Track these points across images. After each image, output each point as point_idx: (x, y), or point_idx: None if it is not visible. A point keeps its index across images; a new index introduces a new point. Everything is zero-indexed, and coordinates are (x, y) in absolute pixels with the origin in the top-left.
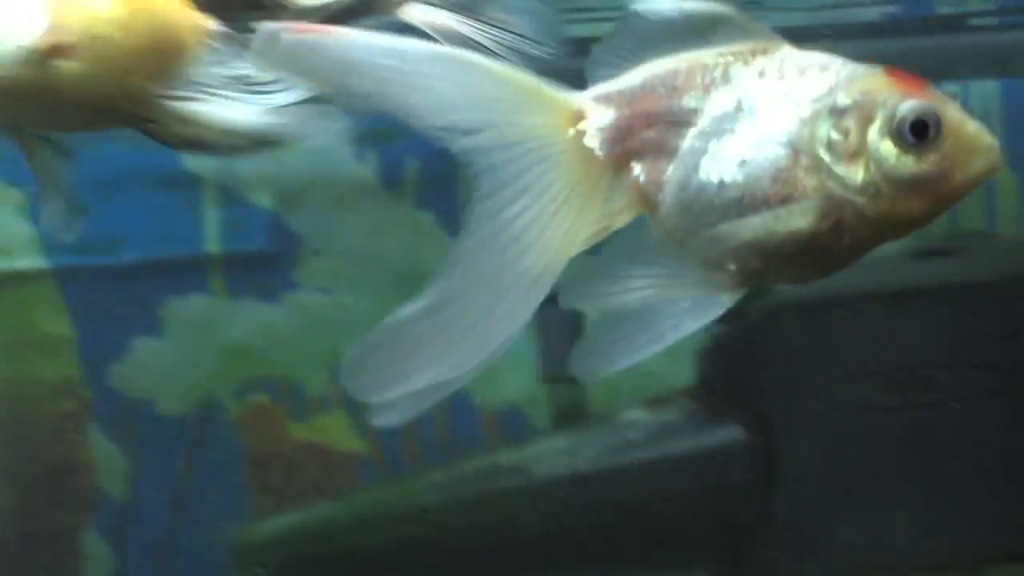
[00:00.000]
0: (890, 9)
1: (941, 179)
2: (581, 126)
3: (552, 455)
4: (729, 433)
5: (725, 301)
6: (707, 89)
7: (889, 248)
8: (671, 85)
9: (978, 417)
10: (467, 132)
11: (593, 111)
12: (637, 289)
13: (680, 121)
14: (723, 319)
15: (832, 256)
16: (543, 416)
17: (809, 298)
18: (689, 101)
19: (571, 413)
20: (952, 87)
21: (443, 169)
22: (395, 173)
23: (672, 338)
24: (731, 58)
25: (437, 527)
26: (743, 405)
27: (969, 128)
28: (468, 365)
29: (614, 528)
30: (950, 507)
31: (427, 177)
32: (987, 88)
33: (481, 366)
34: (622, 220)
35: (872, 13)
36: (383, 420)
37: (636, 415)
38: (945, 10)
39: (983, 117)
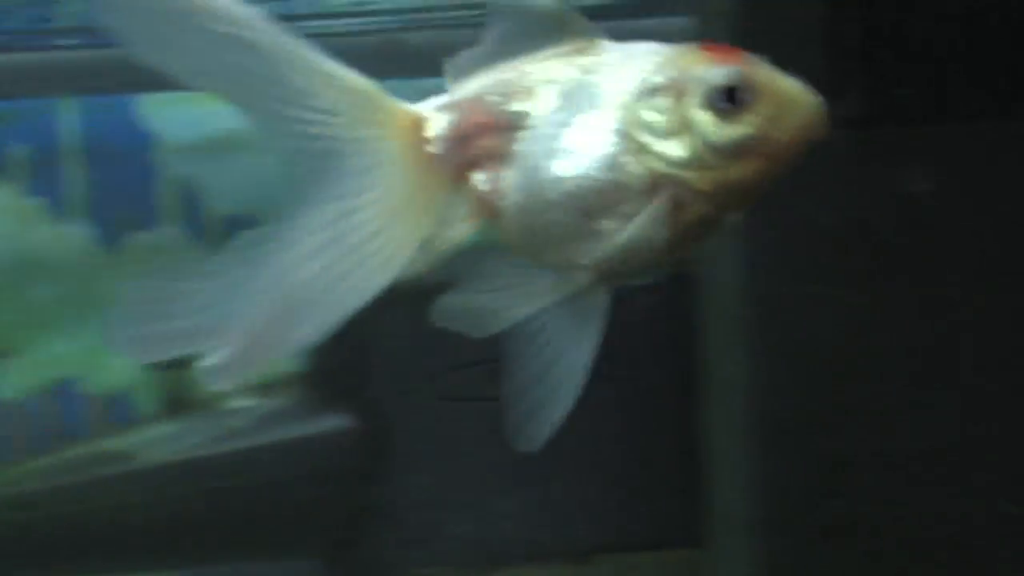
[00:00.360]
0: None
1: (764, 140)
2: (419, 134)
3: (159, 442)
4: (338, 421)
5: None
6: (535, 92)
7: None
8: (502, 91)
9: (588, 408)
10: (299, 131)
11: (433, 120)
12: (507, 304)
13: (513, 126)
14: None
15: (678, 238)
16: (151, 403)
17: (419, 285)
18: (518, 105)
19: (179, 400)
20: None
21: (52, 155)
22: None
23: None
24: (554, 57)
25: (45, 513)
26: (352, 393)
27: (783, 85)
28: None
29: (220, 515)
30: (560, 497)
31: (35, 162)
32: None
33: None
34: (465, 230)
35: None
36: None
37: (244, 402)
38: None
39: None
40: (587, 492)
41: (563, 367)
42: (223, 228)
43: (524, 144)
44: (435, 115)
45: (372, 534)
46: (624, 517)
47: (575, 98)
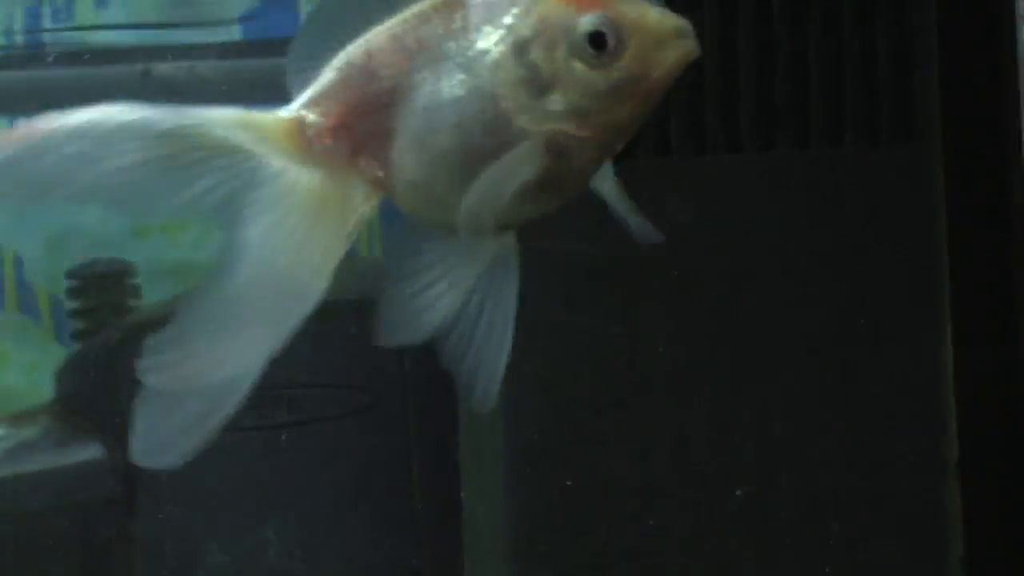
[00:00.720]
0: None
1: (641, 78)
2: (298, 138)
3: None
4: (89, 451)
5: (488, 250)
6: (402, 63)
7: None
8: (367, 69)
9: (343, 438)
10: (185, 185)
11: (305, 119)
12: (439, 294)
13: (387, 103)
14: (82, 335)
15: (568, 182)
16: None
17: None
18: (388, 81)
19: None
20: None
21: None
22: None
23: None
24: (416, 22)
25: None
26: (103, 423)
27: (651, 20)
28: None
29: None
30: (316, 528)
31: None
32: None
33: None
34: (367, 208)
35: None
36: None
37: None
38: None
39: None
40: (344, 523)
41: (491, 320)
42: None
43: (403, 120)
44: (305, 113)
45: (126, 565)
46: (381, 548)
47: (444, 63)
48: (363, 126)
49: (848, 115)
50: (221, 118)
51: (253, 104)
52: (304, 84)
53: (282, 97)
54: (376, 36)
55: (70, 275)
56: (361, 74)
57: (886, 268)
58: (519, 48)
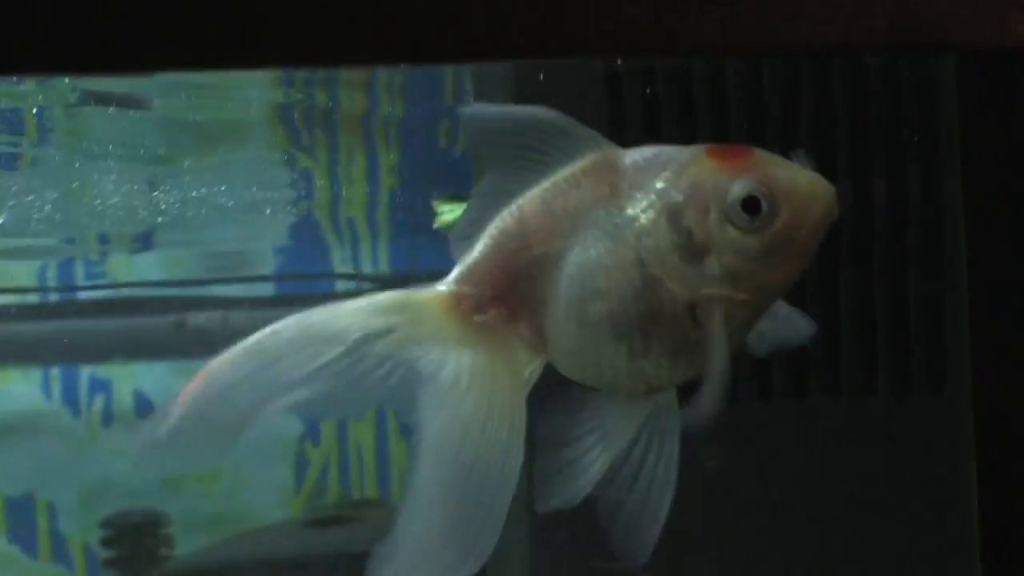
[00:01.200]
0: None
1: (790, 241)
2: (458, 311)
3: None
4: None
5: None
6: (552, 230)
7: (283, 515)
8: (519, 236)
9: None
10: (369, 383)
11: (461, 291)
12: (594, 458)
13: (540, 270)
14: None
15: (715, 345)
16: None
17: (211, 566)
18: (539, 248)
19: None
20: None
21: None
22: None
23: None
24: (565, 186)
25: None
26: None
27: (800, 183)
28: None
29: None
30: None
31: None
32: None
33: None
34: (533, 370)
35: None
36: None
37: None
38: None
39: None
40: None
41: (653, 474)
42: (8, 509)
43: (554, 287)
44: (461, 287)
45: None
46: None
47: (593, 230)
48: (517, 293)
49: (880, 365)
50: (378, 306)
51: None
52: (464, 253)
53: None
54: (528, 201)
55: (104, 524)
56: (513, 242)
57: (918, 519)
58: (671, 214)
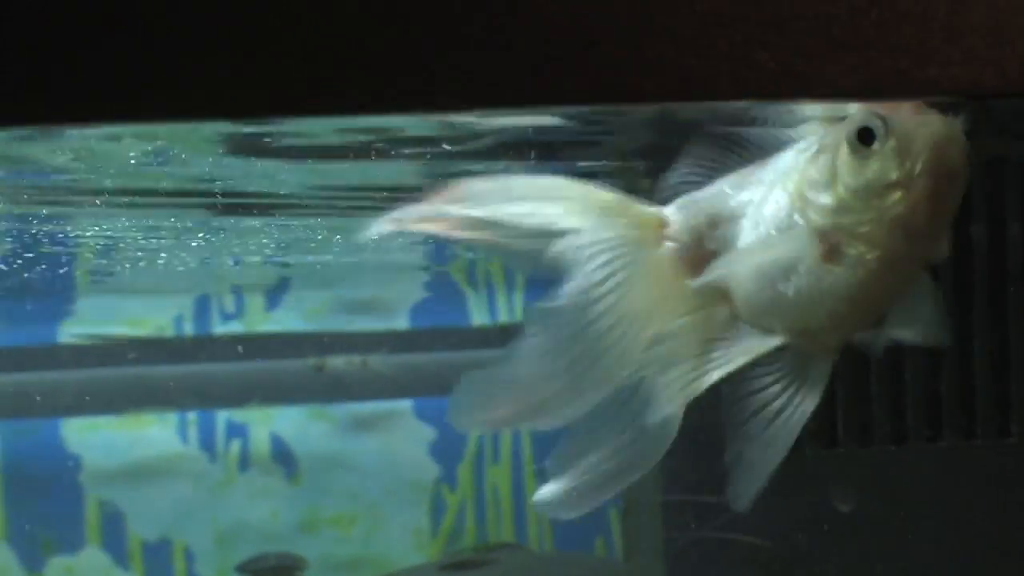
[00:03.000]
0: None
1: (894, 175)
2: (664, 232)
3: None
4: None
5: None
6: (755, 183)
7: (419, 559)
8: (723, 193)
9: None
10: (564, 235)
11: (673, 218)
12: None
13: (738, 216)
14: None
15: (857, 293)
16: None
17: None
18: (741, 196)
19: None
20: None
21: None
22: None
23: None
24: (773, 161)
25: None
26: None
27: (917, 121)
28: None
29: None
30: None
31: None
32: None
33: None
34: (712, 315)
35: None
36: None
37: None
38: None
39: (512, 431)
40: None
41: (776, 429)
42: (145, 552)
43: (738, 230)
44: (674, 214)
45: None
46: None
47: (771, 181)
48: (718, 234)
49: (1014, 408)
50: (611, 194)
51: (421, 396)
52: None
53: (448, 389)
54: (743, 171)
55: (240, 568)
56: (726, 193)
57: None
58: (816, 154)
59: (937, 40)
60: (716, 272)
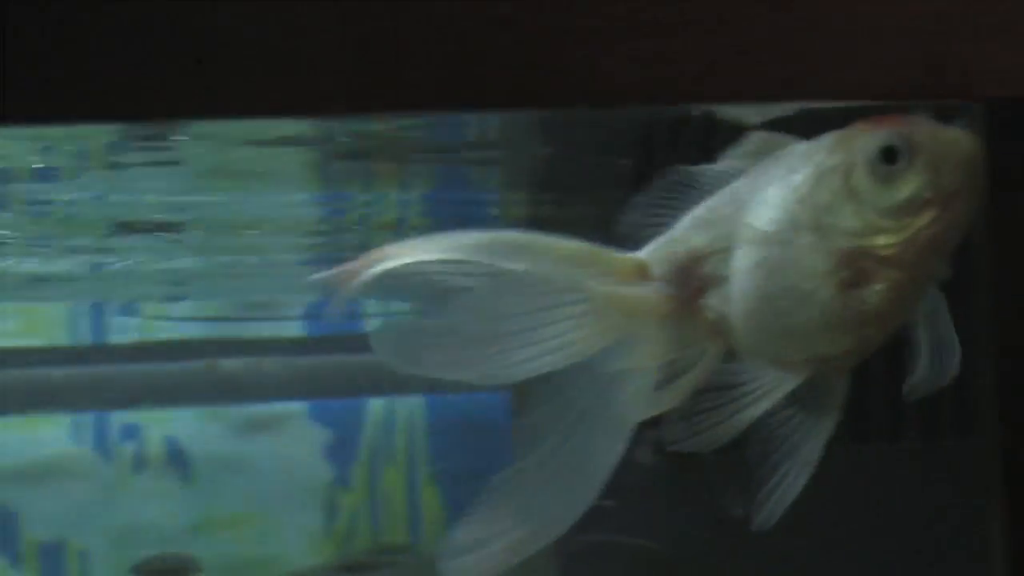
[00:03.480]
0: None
1: (930, 193)
2: (647, 278)
3: None
4: None
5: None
6: (736, 213)
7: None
8: (708, 220)
9: None
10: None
11: (653, 262)
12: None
13: (725, 248)
14: None
15: (881, 309)
16: None
17: None
18: (725, 228)
19: None
20: (378, 401)
21: None
22: None
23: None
24: (755, 175)
25: None
26: None
27: (939, 135)
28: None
29: None
30: None
31: None
32: (413, 402)
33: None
34: (706, 355)
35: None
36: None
37: None
38: None
39: (408, 433)
40: None
41: (799, 456)
42: (40, 554)
43: (736, 260)
44: (654, 257)
45: None
46: None
47: (766, 205)
48: (704, 271)
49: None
50: (584, 246)
51: (315, 398)
52: (645, 239)
53: (347, 392)
54: (719, 195)
55: (135, 570)
56: (704, 224)
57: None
58: (820, 177)
59: (829, 47)
60: (719, 308)
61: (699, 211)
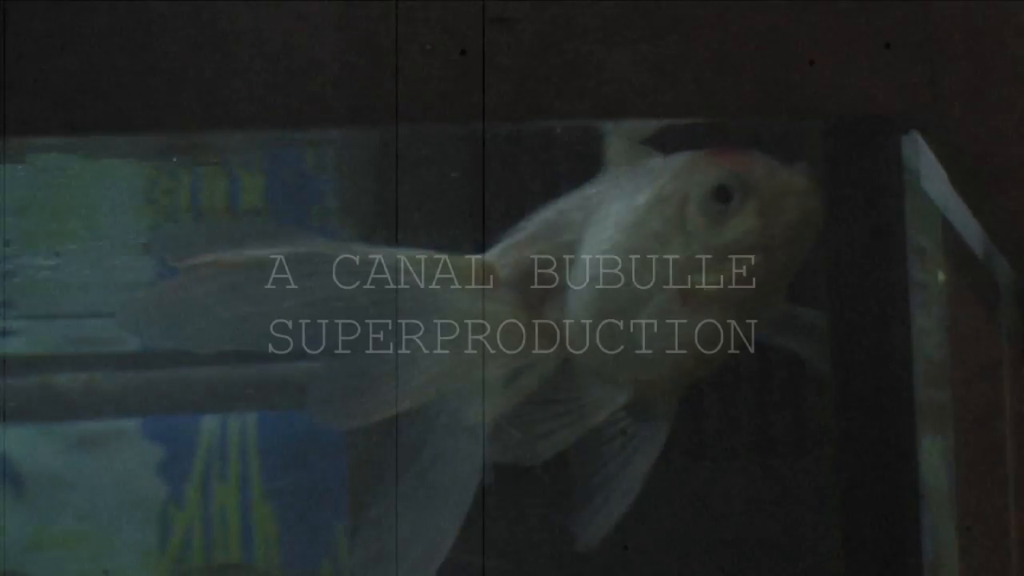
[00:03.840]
0: None
1: (758, 237)
2: (489, 280)
3: None
4: None
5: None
6: (582, 222)
7: None
8: (556, 225)
9: None
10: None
11: (497, 264)
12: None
13: (567, 254)
14: None
15: (701, 345)
16: None
17: None
18: (570, 235)
19: None
20: (214, 419)
21: None
22: None
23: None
24: (606, 184)
25: None
26: None
27: (777, 179)
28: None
29: None
30: None
31: None
32: (246, 419)
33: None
34: (545, 358)
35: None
36: None
37: None
38: None
39: (241, 449)
40: None
41: (624, 477)
42: None
43: (575, 272)
44: (497, 260)
45: None
46: None
47: (607, 221)
48: (545, 274)
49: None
50: (421, 253)
51: (151, 416)
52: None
53: (183, 409)
54: (570, 198)
55: None
56: (550, 230)
57: None
58: (657, 203)
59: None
60: (557, 317)
61: (549, 213)
